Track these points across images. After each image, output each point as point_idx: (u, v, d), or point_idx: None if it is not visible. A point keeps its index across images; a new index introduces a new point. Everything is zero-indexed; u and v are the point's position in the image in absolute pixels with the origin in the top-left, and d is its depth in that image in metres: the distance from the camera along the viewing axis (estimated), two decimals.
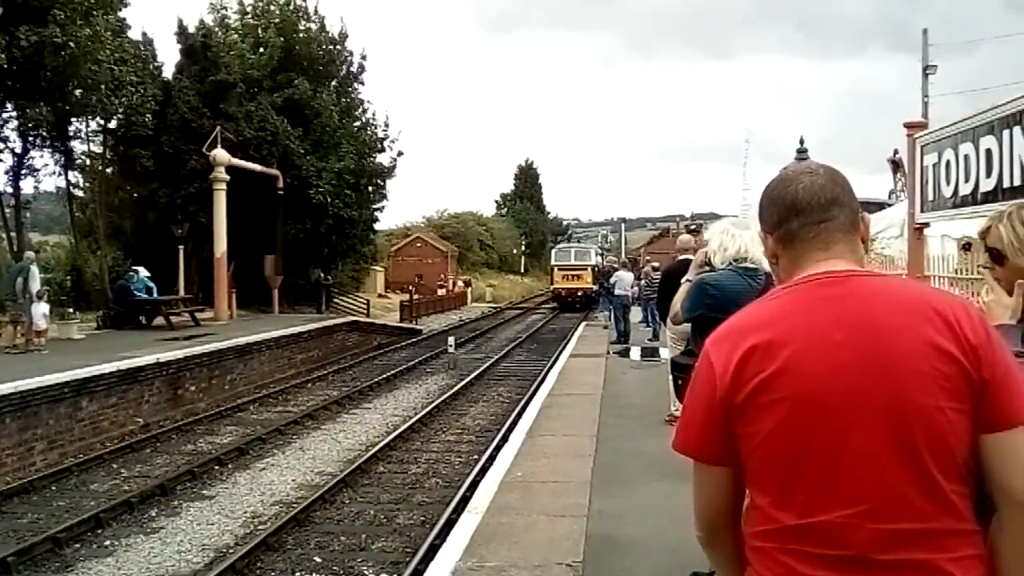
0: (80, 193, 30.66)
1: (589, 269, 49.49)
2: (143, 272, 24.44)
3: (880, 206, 21.41)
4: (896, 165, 21.57)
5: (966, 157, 6.31)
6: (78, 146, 27.57)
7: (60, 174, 27.55)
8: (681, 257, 11.00)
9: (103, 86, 22.37)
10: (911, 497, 1.62)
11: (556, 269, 51.72)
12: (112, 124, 27.10)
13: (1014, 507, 1.66)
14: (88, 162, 29.11)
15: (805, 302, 1.76)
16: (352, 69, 38.47)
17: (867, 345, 1.67)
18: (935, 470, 1.63)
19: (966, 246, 10.71)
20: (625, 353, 20.01)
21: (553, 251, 57.14)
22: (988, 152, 5.93)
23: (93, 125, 26.76)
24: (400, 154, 38.66)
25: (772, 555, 1.71)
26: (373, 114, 39.01)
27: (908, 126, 7.95)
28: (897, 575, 1.62)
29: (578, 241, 63.44)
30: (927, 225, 7.86)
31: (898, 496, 1.62)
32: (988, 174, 5.94)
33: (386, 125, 38.49)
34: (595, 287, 44.38)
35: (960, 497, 1.65)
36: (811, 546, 1.65)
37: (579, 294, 48.66)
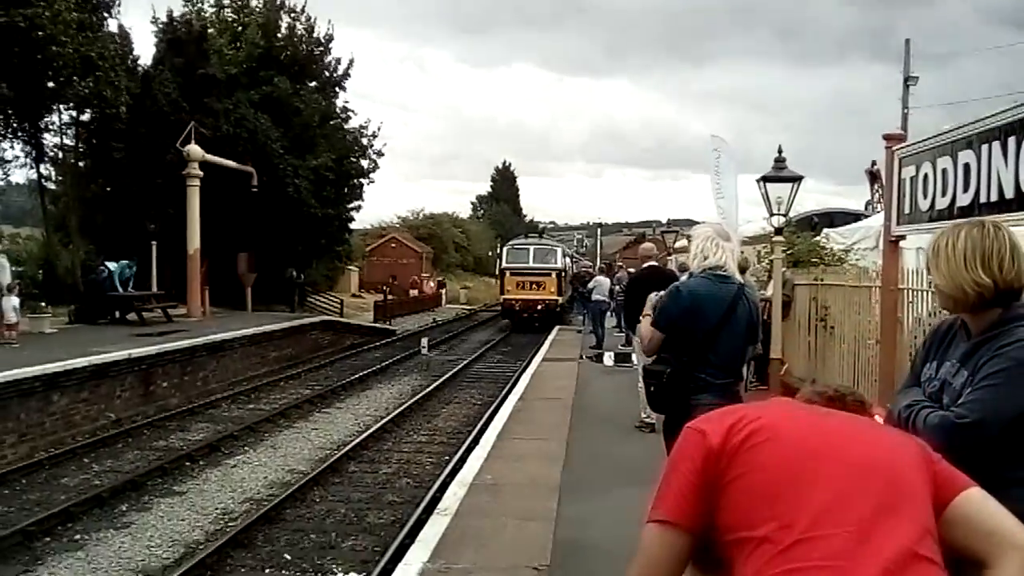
0: (52, 186, 30.45)
1: (553, 275, 37.40)
2: (122, 262, 24.30)
3: (856, 217, 21.64)
4: (874, 176, 21.77)
5: (944, 171, 6.32)
6: (50, 138, 27.42)
7: (31, 166, 27.41)
8: (645, 265, 11.15)
9: (74, 72, 22.24)
10: (891, 526, 1.65)
11: (508, 273, 38.17)
12: (85, 116, 26.96)
13: (1013, 546, 1.71)
14: (60, 155, 28.91)
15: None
16: (336, 74, 38.32)
17: (840, 417, 1.87)
18: (917, 509, 1.70)
19: None
20: (599, 358, 20.14)
21: (505, 249, 41.65)
22: (966, 167, 5.94)
23: (66, 117, 26.63)
24: (380, 154, 38.64)
25: None
26: (364, 123, 38.93)
27: (887, 138, 8.03)
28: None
29: (540, 235, 47.02)
30: (903, 238, 7.92)
31: (879, 524, 1.65)
32: (965, 189, 5.96)
33: (374, 134, 38.46)
34: (561, 299, 37.20)
35: (936, 542, 1.68)
36: (800, 562, 1.64)
37: (539, 307, 36.53)
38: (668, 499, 1.80)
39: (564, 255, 41.09)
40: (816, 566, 1.60)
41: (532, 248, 39.42)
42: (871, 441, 1.82)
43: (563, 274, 38.31)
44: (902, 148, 7.43)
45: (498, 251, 51.81)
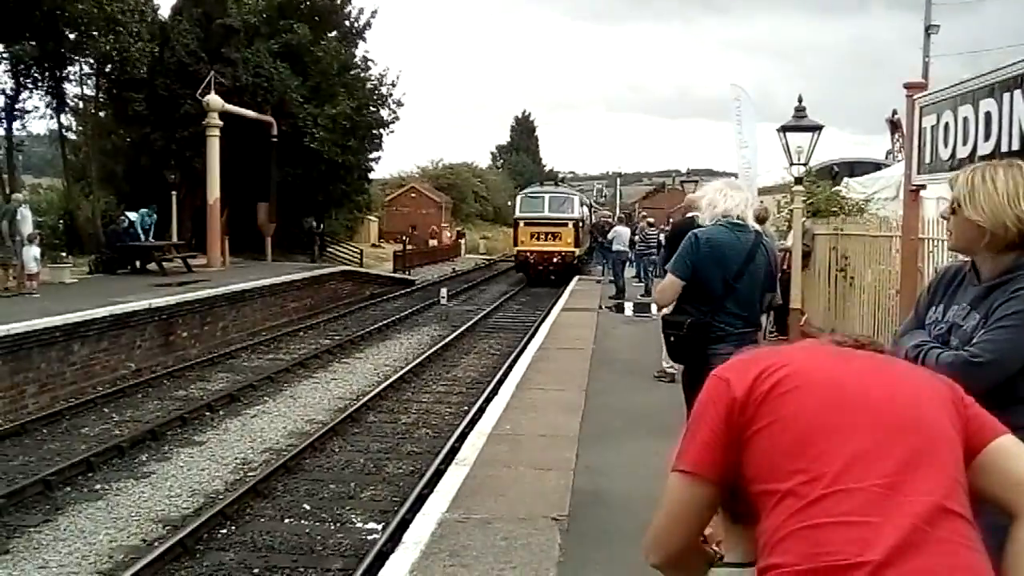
0: (73, 136, 30.53)
1: (570, 225, 34.79)
2: (142, 210, 24.39)
3: (877, 166, 21.42)
4: (894, 125, 21.56)
5: (965, 119, 6.29)
6: (70, 88, 27.40)
7: (52, 116, 27.44)
8: (690, 214, 11.04)
9: (95, 28, 22.12)
10: (920, 479, 1.59)
11: (522, 224, 35.45)
12: (107, 67, 26.90)
13: None
14: (81, 105, 28.93)
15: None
16: (357, 25, 37.99)
17: (867, 360, 1.77)
18: (947, 458, 1.63)
19: None
20: (619, 308, 20.13)
21: (518, 198, 38.23)
22: (987, 115, 5.92)
23: (86, 67, 26.56)
24: (400, 104, 38.27)
25: (801, 534, 1.62)
26: (381, 72, 38.41)
27: (908, 87, 7.95)
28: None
29: (556, 183, 42.57)
30: (923, 187, 7.87)
31: (907, 478, 1.59)
32: (986, 137, 5.94)
33: (392, 84, 38.02)
34: (578, 251, 35.04)
35: (965, 493, 1.62)
36: (825, 517, 1.59)
37: (554, 260, 34.31)
38: (692, 449, 1.77)
39: (582, 204, 38.20)
40: (842, 521, 1.55)
41: (547, 196, 36.23)
42: (900, 386, 1.73)
43: (581, 224, 35.81)
44: (923, 97, 7.35)
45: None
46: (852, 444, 1.62)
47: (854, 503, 1.56)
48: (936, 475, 1.60)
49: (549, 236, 34.37)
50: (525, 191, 39.34)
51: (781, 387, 1.70)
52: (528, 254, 34.81)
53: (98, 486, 9.85)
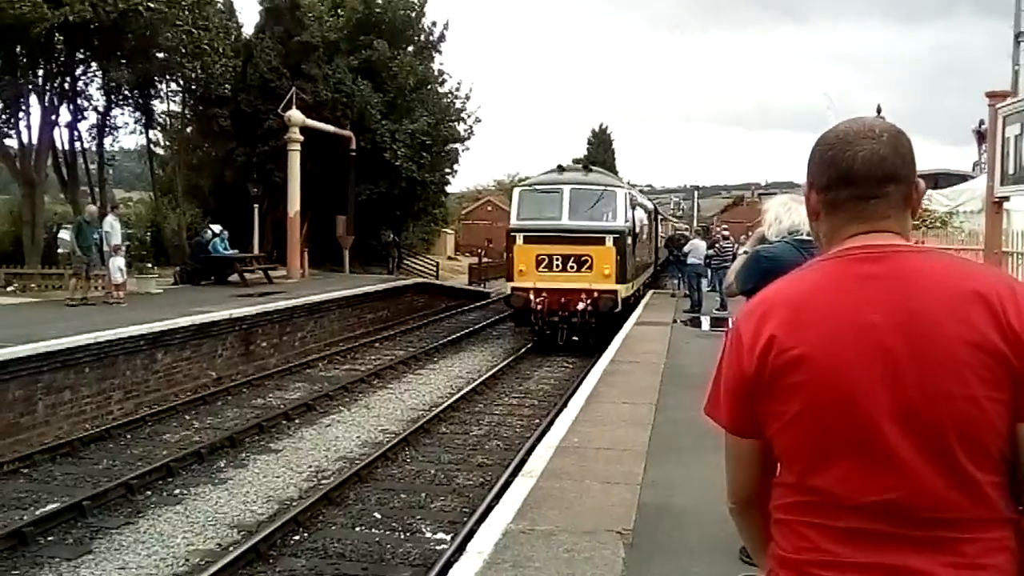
0: (160, 151, 31.44)
1: (609, 241, 20.46)
2: (217, 228, 24.89)
3: (963, 178, 20.87)
4: (981, 136, 20.97)
5: None
6: (158, 105, 28.25)
7: (141, 132, 28.30)
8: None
9: (183, 50, 22.79)
10: (939, 488, 1.58)
11: (520, 239, 20.80)
12: (192, 86, 27.69)
13: None
14: (168, 121, 29.78)
15: (841, 279, 1.70)
16: (432, 38, 38.34)
17: (901, 330, 1.61)
18: (966, 462, 1.57)
19: None
20: (695, 322, 19.90)
21: (516, 193, 22.49)
22: None
23: (173, 85, 27.35)
24: (478, 120, 38.40)
25: (795, 528, 1.71)
26: (456, 86, 38.68)
27: (990, 95, 7.74)
28: (917, 552, 1.59)
29: (586, 170, 23.13)
30: (1007, 199, 7.65)
31: (925, 487, 1.58)
32: None
33: (466, 97, 38.21)
34: (623, 288, 20.67)
35: (995, 487, 1.60)
36: (833, 521, 1.65)
37: (580, 306, 20.11)
38: (717, 399, 1.86)
39: (632, 204, 22.74)
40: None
41: (567, 190, 20.95)
42: (933, 362, 1.59)
43: (630, 239, 21.50)
44: (1005, 106, 7.14)
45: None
46: (852, 453, 1.63)
47: (844, 516, 1.64)
48: (943, 479, 1.58)
49: (571, 263, 20.50)
50: (529, 183, 23.56)
51: (789, 375, 1.67)
52: (531, 295, 20.43)
53: (177, 491, 10.13)
